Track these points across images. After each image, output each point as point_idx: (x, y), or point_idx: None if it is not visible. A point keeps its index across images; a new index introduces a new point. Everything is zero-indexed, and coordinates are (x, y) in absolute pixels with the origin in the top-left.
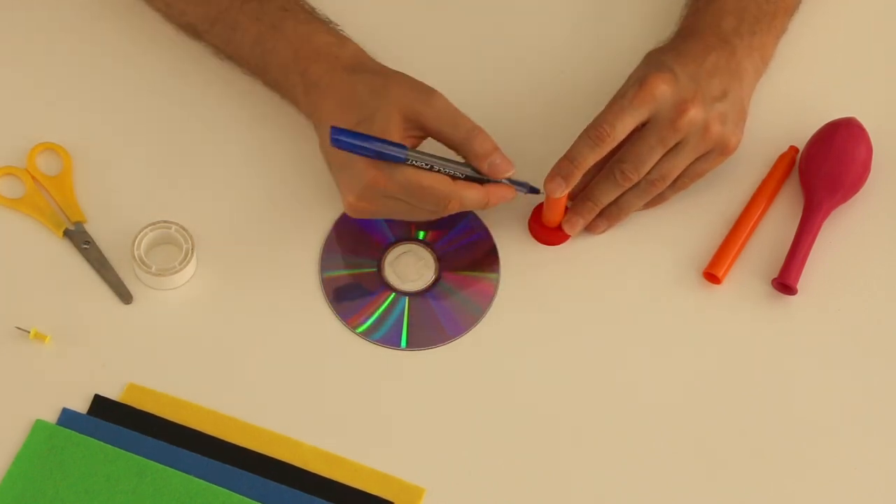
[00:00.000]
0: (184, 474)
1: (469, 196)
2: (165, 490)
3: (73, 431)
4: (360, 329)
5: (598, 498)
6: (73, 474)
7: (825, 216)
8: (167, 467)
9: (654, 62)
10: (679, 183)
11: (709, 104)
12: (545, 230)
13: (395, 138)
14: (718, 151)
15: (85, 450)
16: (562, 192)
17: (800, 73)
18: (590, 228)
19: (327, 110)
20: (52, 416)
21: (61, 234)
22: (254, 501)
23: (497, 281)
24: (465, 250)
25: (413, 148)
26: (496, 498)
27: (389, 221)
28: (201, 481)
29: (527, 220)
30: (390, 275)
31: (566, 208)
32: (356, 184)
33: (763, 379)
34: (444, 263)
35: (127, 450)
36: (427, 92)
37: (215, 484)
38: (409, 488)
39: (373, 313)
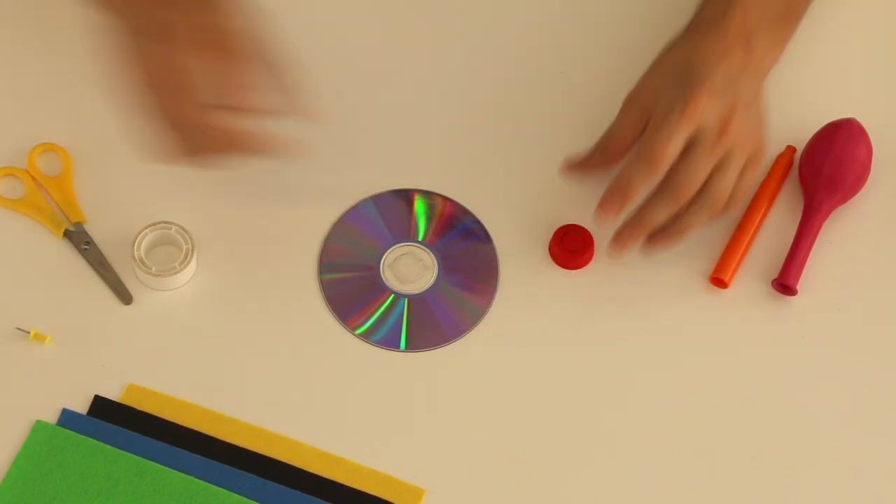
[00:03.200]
0: (184, 475)
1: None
2: (165, 490)
3: (72, 432)
4: (360, 330)
5: (599, 499)
6: (73, 474)
7: (825, 217)
8: (167, 468)
9: (687, 67)
10: (734, 200)
11: (746, 112)
12: (568, 255)
13: None
14: (756, 158)
15: (85, 450)
16: (612, 220)
17: (800, 73)
18: (647, 246)
19: None
20: (52, 417)
21: (61, 234)
22: (254, 502)
23: (496, 283)
24: (465, 252)
25: None
26: (496, 498)
27: (388, 222)
28: (201, 482)
29: (529, 223)
30: (389, 276)
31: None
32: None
33: (764, 379)
34: (444, 265)
35: (127, 450)
36: None
37: (215, 484)
38: (409, 489)
39: (372, 315)
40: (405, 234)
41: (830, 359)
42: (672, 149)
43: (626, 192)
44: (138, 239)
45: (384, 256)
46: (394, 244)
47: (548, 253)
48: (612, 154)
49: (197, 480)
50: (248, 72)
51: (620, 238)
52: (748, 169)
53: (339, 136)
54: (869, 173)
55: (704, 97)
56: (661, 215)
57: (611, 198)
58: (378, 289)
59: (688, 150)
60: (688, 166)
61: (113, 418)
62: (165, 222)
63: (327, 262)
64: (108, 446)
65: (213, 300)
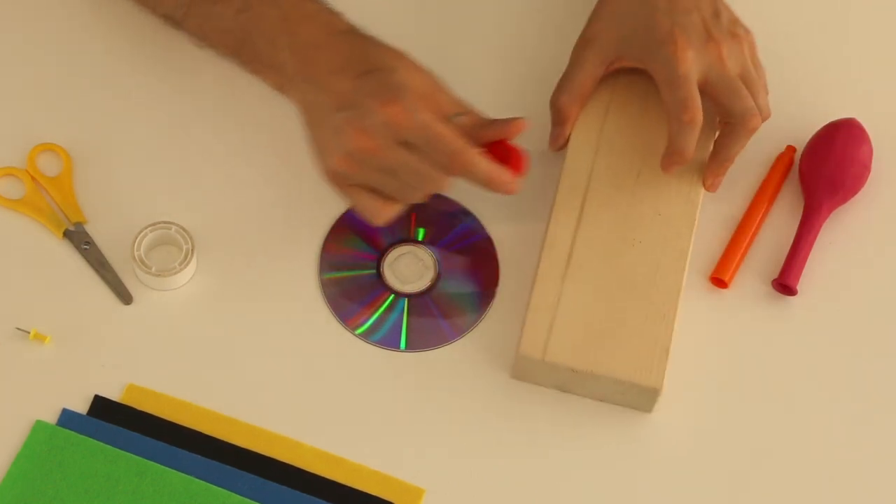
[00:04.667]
0: (184, 475)
1: (479, 164)
2: (165, 490)
3: (72, 432)
4: (360, 330)
5: (599, 498)
6: (73, 474)
7: (825, 217)
8: (167, 468)
9: (643, 14)
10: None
11: (716, 22)
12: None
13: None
14: (748, 43)
15: (85, 450)
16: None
17: (800, 74)
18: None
19: (324, 64)
20: (52, 417)
21: (61, 234)
22: (254, 502)
23: (496, 283)
24: (465, 252)
25: None
26: (496, 498)
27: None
28: (201, 482)
29: (528, 223)
30: (390, 276)
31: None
32: (368, 121)
33: (764, 379)
34: (444, 265)
35: (127, 450)
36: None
37: (215, 484)
38: (409, 489)
39: (372, 315)
40: (405, 234)
41: (830, 359)
42: (698, 98)
43: (684, 154)
44: (138, 239)
45: (384, 256)
46: (394, 244)
47: None
48: (578, 103)
49: (197, 480)
50: None
51: (715, 182)
52: (753, 58)
53: None
54: (869, 173)
55: (682, 40)
56: (739, 149)
57: (671, 160)
58: (378, 289)
59: (712, 85)
60: (736, 99)
61: (113, 418)
62: (165, 222)
63: (327, 262)
64: (108, 446)
65: (213, 300)
